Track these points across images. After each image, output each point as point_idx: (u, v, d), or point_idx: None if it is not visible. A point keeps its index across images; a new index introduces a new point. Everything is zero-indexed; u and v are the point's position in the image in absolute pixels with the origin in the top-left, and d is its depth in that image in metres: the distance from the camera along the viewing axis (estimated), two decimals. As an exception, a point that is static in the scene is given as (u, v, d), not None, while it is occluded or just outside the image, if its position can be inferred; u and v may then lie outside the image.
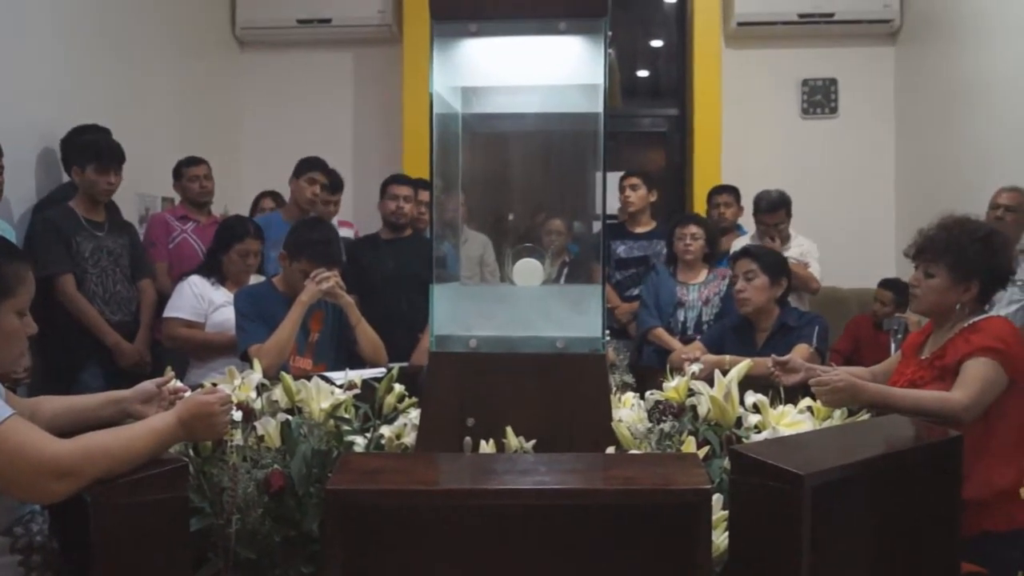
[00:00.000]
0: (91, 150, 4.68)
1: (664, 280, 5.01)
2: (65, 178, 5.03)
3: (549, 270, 2.84)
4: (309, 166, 5.49)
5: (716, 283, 4.88)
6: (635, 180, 5.67)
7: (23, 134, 4.88)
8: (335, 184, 5.59)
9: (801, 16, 7.48)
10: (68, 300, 4.54)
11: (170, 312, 4.44)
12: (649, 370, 3.96)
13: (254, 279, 4.49)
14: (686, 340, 4.67)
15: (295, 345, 3.87)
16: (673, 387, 2.86)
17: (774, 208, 5.56)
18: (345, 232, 5.94)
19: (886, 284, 6.10)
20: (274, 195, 6.38)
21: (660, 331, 4.86)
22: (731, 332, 4.23)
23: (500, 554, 1.92)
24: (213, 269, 4.49)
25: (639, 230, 5.69)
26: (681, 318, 4.91)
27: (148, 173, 5.19)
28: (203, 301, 4.40)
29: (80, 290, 4.59)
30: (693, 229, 5.00)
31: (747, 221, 6.23)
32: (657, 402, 2.83)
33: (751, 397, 2.75)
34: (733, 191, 6.25)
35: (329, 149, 6.97)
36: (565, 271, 4.08)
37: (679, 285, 4.97)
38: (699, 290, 4.93)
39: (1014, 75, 5.81)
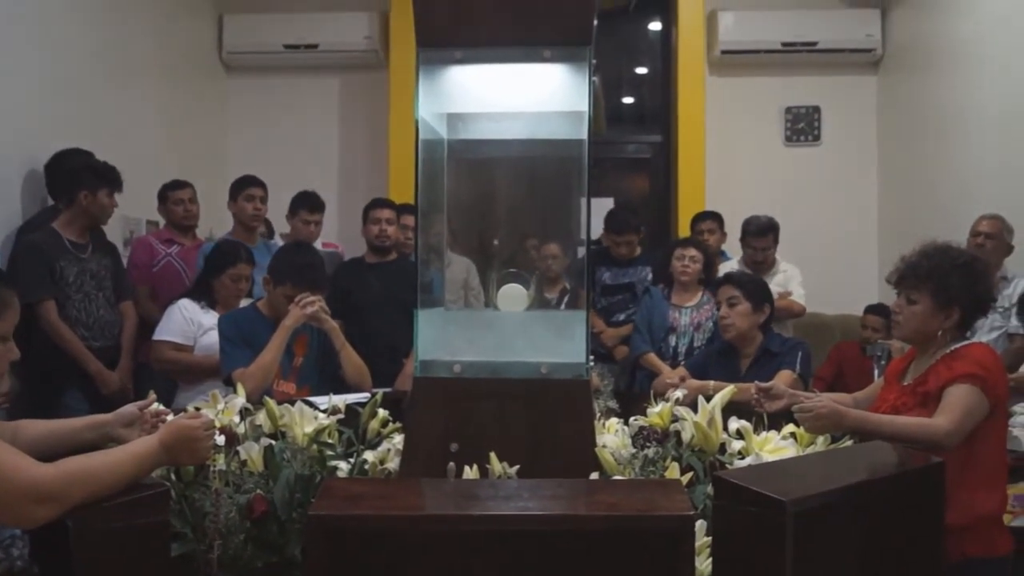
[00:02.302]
0: (104, 175, 4.74)
1: (657, 302, 5.04)
2: (50, 201, 5.02)
3: (534, 296, 2.84)
4: (242, 185, 5.48)
5: (710, 306, 4.89)
6: (631, 237, 5.68)
7: (7, 157, 4.88)
8: (315, 204, 5.59)
9: (784, 45, 7.55)
10: (50, 327, 4.51)
11: (160, 335, 4.44)
12: (633, 396, 3.97)
13: (244, 303, 4.49)
14: (676, 367, 4.68)
15: (279, 369, 3.86)
16: (657, 413, 2.87)
17: (762, 232, 5.59)
18: (329, 250, 5.96)
19: (873, 309, 6.10)
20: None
21: (652, 356, 4.89)
22: (715, 358, 4.25)
23: (483, 580, 1.92)
24: (204, 293, 4.50)
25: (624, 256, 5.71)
26: (672, 343, 4.93)
27: (133, 196, 5.18)
28: (192, 324, 4.41)
29: (62, 315, 4.56)
30: (692, 252, 5.04)
31: (730, 247, 6.26)
32: (641, 428, 2.83)
33: (735, 423, 2.76)
34: (716, 217, 6.27)
35: (315, 173, 7.02)
36: (567, 298, 4.08)
37: (672, 308, 5.00)
38: (691, 314, 4.95)
39: (994, 104, 5.86)
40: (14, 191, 4.97)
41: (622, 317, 5.54)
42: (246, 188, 5.45)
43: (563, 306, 3.90)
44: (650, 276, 5.54)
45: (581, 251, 2.80)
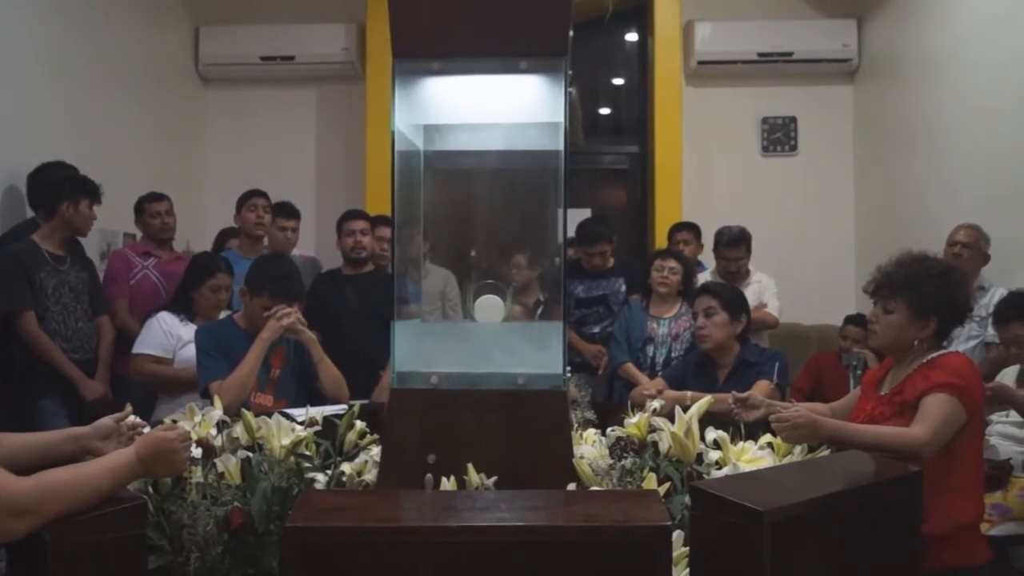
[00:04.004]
0: (85, 186, 4.78)
1: (636, 313, 5.04)
2: (29, 214, 5.00)
3: (511, 306, 2.84)
4: (246, 197, 5.61)
5: (687, 317, 4.88)
6: (604, 247, 5.66)
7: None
8: (290, 211, 5.60)
9: (761, 55, 7.59)
10: (30, 337, 4.51)
11: (139, 348, 4.43)
12: (611, 406, 3.97)
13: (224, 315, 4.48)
14: (654, 377, 4.67)
15: (256, 381, 3.84)
16: (634, 423, 2.86)
17: (734, 243, 5.61)
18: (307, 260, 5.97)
19: (852, 320, 6.10)
20: (237, 232, 6.36)
21: (630, 366, 4.88)
22: (692, 368, 4.25)
23: (461, 592, 1.91)
24: (183, 305, 4.49)
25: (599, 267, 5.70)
26: (650, 354, 4.92)
27: (110, 209, 5.16)
28: (172, 337, 4.40)
29: (41, 326, 4.56)
30: (672, 263, 5.04)
31: (707, 258, 6.27)
32: (618, 438, 2.83)
33: (712, 433, 2.76)
34: (693, 228, 6.29)
35: (292, 185, 7.00)
36: (540, 310, 4.08)
37: (650, 319, 4.99)
38: (669, 325, 4.95)
39: (968, 114, 5.91)
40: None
41: (596, 330, 5.53)
42: (249, 199, 5.59)
43: (537, 317, 3.90)
44: (624, 288, 5.53)
45: (556, 261, 2.80)
